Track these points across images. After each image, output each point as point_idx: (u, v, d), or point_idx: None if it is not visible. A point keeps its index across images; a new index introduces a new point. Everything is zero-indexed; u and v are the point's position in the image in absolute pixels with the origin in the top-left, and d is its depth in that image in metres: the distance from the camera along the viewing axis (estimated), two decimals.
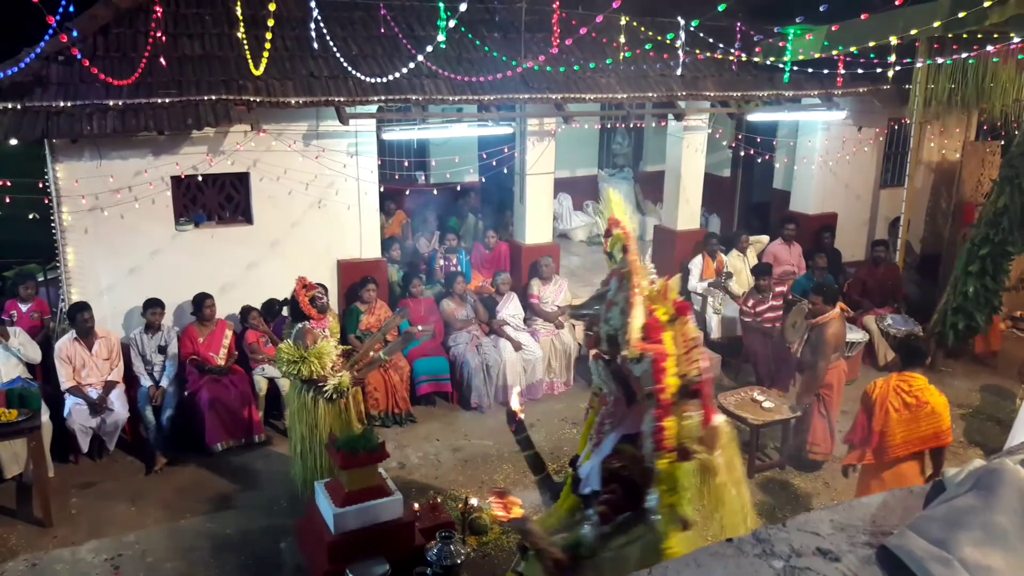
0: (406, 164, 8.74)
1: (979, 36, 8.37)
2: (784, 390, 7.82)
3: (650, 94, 8.88)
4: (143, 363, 7.27)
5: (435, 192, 9.57)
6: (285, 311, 7.89)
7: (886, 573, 1.53)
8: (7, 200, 6.93)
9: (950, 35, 8.28)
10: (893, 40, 7.97)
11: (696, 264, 9.61)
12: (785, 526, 1.66)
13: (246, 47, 7.21)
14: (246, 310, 7.77)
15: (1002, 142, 10.12)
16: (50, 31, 6.33)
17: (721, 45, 8.96)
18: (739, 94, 9.35)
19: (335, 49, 7.55)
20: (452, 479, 6.97)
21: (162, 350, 7.31)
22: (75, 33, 6.98)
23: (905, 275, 9.90)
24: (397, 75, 7.54)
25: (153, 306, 7.28)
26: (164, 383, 7.21)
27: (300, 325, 6.48)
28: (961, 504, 1.59)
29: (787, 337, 8.03)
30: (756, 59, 9.31)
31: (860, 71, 8.91)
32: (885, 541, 1.59)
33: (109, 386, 7.04)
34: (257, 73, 7.23)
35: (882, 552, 1.57)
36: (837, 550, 1.58)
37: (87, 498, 6.61)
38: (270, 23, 6.96)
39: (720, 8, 7.32)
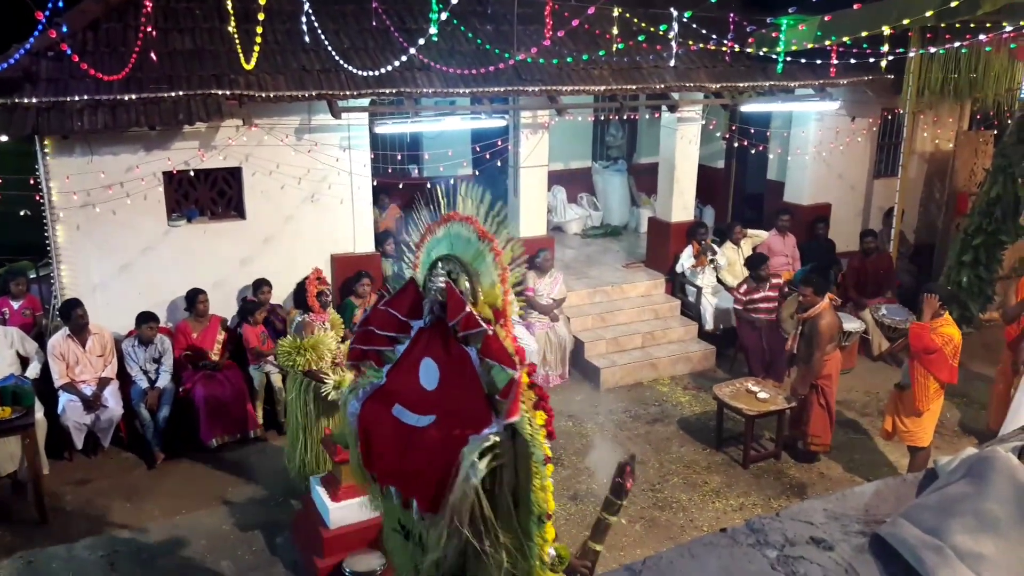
0: (399, 157, 8.71)
1: (972, 25, 8.38)
2: (779, 380, 7.83)
3: (644, 86, 8.86)
4: (139, 369, 7.20)
5: (429, 185, 9.53)
6: (272, 296, 7.82)
7: (879, 561, 1.53)
8: None
9: (943, 24, 8.27)
10: (886, 30, 7.96)
11: (687, 254, 9.66)
12: (779, 516, 1.67)
13: (237, 41, 7.17)
14: (251, 306, 7.60)
15: (995, 131, 10.14)
16: (39, 27, 6.29)
17: (714, 36, 8.93)
18: (734, 85, 9.34)
19: (326, 42, 7.51)
20: None
21: (157, 360, 7.24)
22: (64, 29, 6.93)
23: (899, 265, 9.91)
24: (389, 68, 7.50)
25: (148, 320, 7.15)
26: (160, 384, 7.17)
27: (300, 318, 6.47)
28: (953, 492, 1.60)
29: (784, 328, 8.05)
30: (749, 50, 9.30)
31: (853, 61, 8.91)
32: (878, 529, 1.59)
33: (103, 383, 7.01)
34: (248, 67, 7.19)
35: (875, 540, 1.58)
36: (831, 539, 1.58)
37: (82, 495, 6.60)
38: (261, 17, 6.92)
39: None
